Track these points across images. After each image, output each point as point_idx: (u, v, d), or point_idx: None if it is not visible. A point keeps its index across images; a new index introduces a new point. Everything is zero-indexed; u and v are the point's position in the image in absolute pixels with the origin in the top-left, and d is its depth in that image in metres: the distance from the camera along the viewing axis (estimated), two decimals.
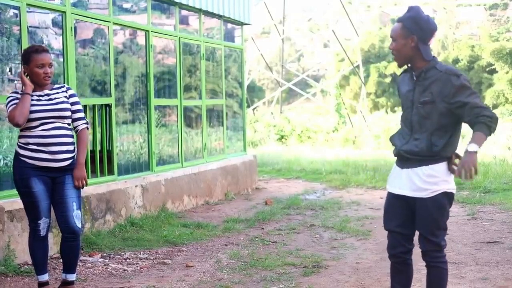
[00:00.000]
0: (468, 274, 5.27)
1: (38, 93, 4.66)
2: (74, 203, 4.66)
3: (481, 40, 33.13)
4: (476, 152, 3.46)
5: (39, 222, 4.63)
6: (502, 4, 41.36)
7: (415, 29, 3.67)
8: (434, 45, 38.74)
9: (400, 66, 3.82)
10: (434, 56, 3.74)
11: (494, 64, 28.60)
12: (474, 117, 3.54)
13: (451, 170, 3.65)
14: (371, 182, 11.25)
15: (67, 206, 4.63)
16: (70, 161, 4.69)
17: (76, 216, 4.65)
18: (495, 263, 5.63)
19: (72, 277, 4.77)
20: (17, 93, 4.65)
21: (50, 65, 4.67)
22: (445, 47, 38.81)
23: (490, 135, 3.56)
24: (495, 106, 28.92)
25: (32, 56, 4.63)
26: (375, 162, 13.29)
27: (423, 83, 3.69)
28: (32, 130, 4.59)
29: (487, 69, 30.45)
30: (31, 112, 4.57)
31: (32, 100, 4.61)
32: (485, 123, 3.51)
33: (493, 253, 6.01)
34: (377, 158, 14.40)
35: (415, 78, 3.74)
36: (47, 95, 4.68)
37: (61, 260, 4.93)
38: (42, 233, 4.67)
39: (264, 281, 5.21)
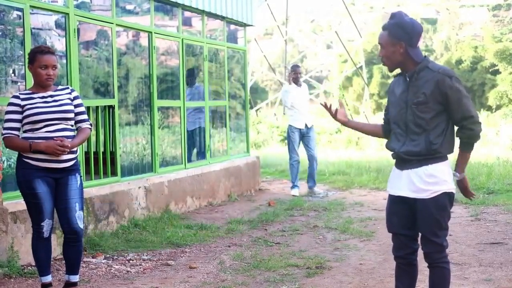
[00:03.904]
0: (471, 275, 5.26)
1: (42, 94, 4.67)
2: (77, 204, 4.67)
3: (484, 41, 33.02)
4: (464, 177, 3.80)
5: (42, 223, 4.64)
6: (505, 4, 41.23)
7: (402, 35, 3.70)
8: (437, 46, 38.74)
9: (391, 71, 3.86)
10: (425, 56, 3.76)
11: (497, 65, 28.51)
12: (459, 128, 3.72)
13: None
14: (374, 183, 11.23)
15: (69, 207, 4.64)
16: (74, 161, 4.70)
17: (79, 217, 4.67)
18: (499, 264, 5.61)
19: (75, 278, 4.79)
20: (18, 97, 4.64)
21: (54, 67, 4.67)
22: (448, 48, 38.74)
23: (472, 149, 3.80)
24: (499, 107, 28.84)
25: (36, 56, 4.65)
26: (378, 163, 13.26)
27: (416, 83, 3.71)
28: (35, 132, 4.60)
29: (490, 70, 30.35)
30: (36, 114, 4.58)
31: (37, 102, 4.62)
32: (468, 143, 3.74)
33: (496, 254, 6.00)
34: (380, 159, 14.36)
35: (408, 79, 3.75)
36: (51, 96, 4.69)
37: (64, 261, 4.94)
38: (45, 234, 4.68)
39: (267, 282, 5.21)
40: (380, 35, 3.80)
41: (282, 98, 11.08)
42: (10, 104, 4.64)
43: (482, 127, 3.77)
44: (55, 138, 4.55)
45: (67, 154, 4.61)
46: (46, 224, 4.65)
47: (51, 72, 4.66)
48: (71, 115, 4.71)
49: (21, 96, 4.65)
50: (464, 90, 3.69)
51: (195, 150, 9.92)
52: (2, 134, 4.63)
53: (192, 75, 9.82)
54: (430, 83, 3.65)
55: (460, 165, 3.77)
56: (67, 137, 4.65)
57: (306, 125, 10.60)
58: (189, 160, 9.40)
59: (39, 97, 4.65)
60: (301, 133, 10.59)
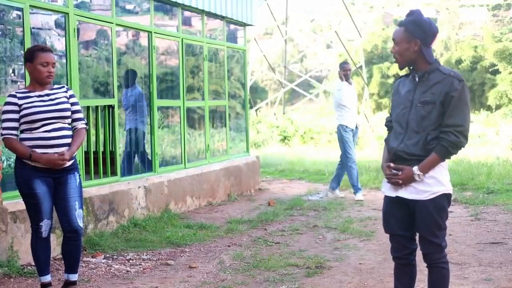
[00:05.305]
0: (471, 275, 5.26)
1: (38, 93, 4.66)
2: (76, 202, 4.67)
3: (484, 40, 33.07)
4: (416, 174, 3.63)
5: (41, 223, 4.64)
6: (505, 4, 41.27)
7: (418, 33, 3.68)
8: (437, 46, 38.72)
9: (401, 68, 3.83)
10: (436, 59, 3.76)
11: (497, 65, 28.54)
12: (442, 131, 3.63)
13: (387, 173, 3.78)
14: (374, 183, 11.23)
15: (69, 205, 4.64)
16: (72, 161, 4.70)
17: (78, 215, 4.67)
18: (499, 264, 5.61)
19: (74, 277, 4.78)
20: (14, 96, 4.61)
21: (54, 65, 4.69)
22: (448, 48, 38.76)
23: (448, 157, 3.68)
24: (498, 107, 28.87)
25: (37, 54, 4.64)
26: (378, 163, 13.25)
27: (425, 83, 3.70)
28: (33, 132, 4.59)
29: (490, 70, 30.40)
30: (34, 113, 4.57)
31: (34, 100, 4.62)
32: (445, 147, 3.61)
33: (496, 254, 6.00)
34: (380, 159, 14.41)
35: (417, 79, 3.74)
36: (47, 95, 4.68)
37: (63, 260, 4.93)
38: (44, 234, 4.68)
39: (267, 282, 5.21)
40: (395, 31, 3.77)
41: (335, 96, 10.19)
42: (8, 103, 4.62)
43: (466, 146, 3.69)
44: (56, 153, 4.56)
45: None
46: (45, 224, 4.65)
47: (52, 70, 4.66)
48: (68, 113, 4.71)
49: (18, 95, 4.63)
50: (468, 99, 3.67)
51: (136, 159, 8.51)
52: (2, 135, 4.61)
53: (130, 76, 8.54)
54: (440, 85, 3.63)
55: (426, 165, 3.63)
56: (65, 136, 4.65)
57: (356, 125, 10.08)
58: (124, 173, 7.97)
59: (36, 96, 4.64)
60: (352, 133, 10.00)
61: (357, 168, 9.99)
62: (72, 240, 4.69)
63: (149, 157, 8.48)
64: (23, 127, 4.61)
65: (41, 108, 4.59)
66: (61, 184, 4.66)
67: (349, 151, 9.89)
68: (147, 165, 8.44)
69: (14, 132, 4.60)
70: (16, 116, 4.59)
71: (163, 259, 6.13)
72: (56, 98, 4.69)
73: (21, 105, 4.58)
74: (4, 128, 4.59)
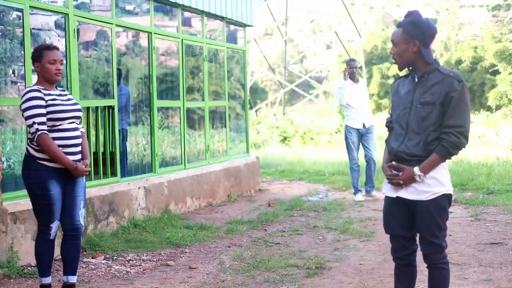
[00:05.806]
0: (471, 276, 5.26)
1: (52, 92, 4.65)
2: (82, 201, 4.71)
3: (484, 41, 33.05)
4: (417, 175, 3.63)
5: (51, 225, 4.60)
6: (505, 5, 41.25)
7: (417, 34, 3.67)
8: (437, 46, 38.74)
9: (401, 69, 3.82)
10: (435, 59, 3.75)
11: (497, 65, 28.52)
12: (443, 132, 3.62)
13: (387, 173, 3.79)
14: (374, 183, 11.21)
15: (75, 204, 4.66)
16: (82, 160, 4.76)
17: (81, 214, 4.70)
18: (499, 264, 5.61)
19: (73, 279, 4.75)
20: (39, 91, 4.53)
21: (61, 62, 4.69)
22: (447, 48, 38.76)
23: (449, 158, 3.68)
24: (498, 107, 28.86)
25: (44, 53, 4.62)
26: (378, 163, 13.26)
27: (425, 84, 3.69)
28: (53, 130, 4.56)
29: (490, 70, 30.37)
30: (61, 111, 4.55)
31: (55, 98, 4.60)
32: (446, 147, 3.61)
33: (496, 254, 6.00)
34: (380, 160, 14.38)
35: (416, 80, 3.73)
36: (60, 95, 4.69)
37: (62, 261, 4.92)
38: (52, 236, 4.66)
39: (267, 283, 5.21)
40: (393, 32, 3.77)
41: (336, 95, 10.03)
42: (35, 98, 4.50)
43: (466, 146, 3.69)
44: (81, 162, 4.68)
45: (77, 154, 4.68)
46: (54, 226, 4.62)
47: (60, 67, 4.66)
48: (81, 114, 4.78)
49: (42, 91, 4.56)
50: (468, 99, 3.67)
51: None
52: (38, 130, 4.47)
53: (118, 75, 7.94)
54: (439, 85, 3.63)
55: (427, 165, 3.63)
56: (79, 136, 4.71)
57: (364, 124, 9.79)
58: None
59: (56, 95, 4.64)
60: (360, 133, 9.75)
61: (359, 170, 9.91)
62: (72, 239, 4.68)
63: (127, 161, 8.25)
64: (47, 123, 4.54)
65: (65, 106, 4.60)
66: (70, 183, 4.67)
67: (351, 153, 9.82)
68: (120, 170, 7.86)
69: (47, 128, 4.52)
70: (44, 111, 4.51)
71: (163, 260, 6.13)
72: (69, 99, 4.72)
73: (47, 101, 4.54)
74: (39, 123, 4.47)
